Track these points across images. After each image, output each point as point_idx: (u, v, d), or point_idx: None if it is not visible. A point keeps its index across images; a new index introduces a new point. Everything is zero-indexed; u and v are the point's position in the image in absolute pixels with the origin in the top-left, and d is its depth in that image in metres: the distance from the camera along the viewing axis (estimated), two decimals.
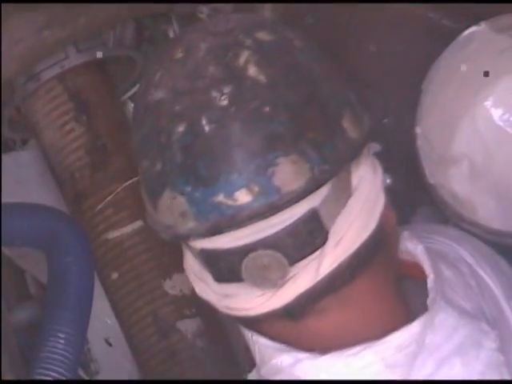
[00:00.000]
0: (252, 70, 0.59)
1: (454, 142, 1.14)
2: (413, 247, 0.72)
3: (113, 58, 1.29)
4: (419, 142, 1.09)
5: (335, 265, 0.61)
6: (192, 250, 0.64)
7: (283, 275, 0.60)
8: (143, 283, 1.15)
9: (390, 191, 0.74)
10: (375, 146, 1.17)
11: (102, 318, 1.24)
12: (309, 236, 0.60)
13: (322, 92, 0.62)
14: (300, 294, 0.62)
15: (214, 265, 0.63)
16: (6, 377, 1.03)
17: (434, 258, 0.71)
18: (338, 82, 0.64)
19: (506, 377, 0.69)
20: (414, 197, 1.19)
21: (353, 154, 0.61)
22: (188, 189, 0.59)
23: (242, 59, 0.59)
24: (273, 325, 0.64)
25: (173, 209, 0.61)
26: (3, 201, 1.22)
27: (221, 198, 0.58)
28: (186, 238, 0.62)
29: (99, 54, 1.23)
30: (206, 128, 0.58)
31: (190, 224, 0.60)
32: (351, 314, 0.66)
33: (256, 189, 0.58)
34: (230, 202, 0.58)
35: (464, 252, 0.79)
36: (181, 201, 0.60)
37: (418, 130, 1.09)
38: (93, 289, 1.08)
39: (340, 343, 0.64)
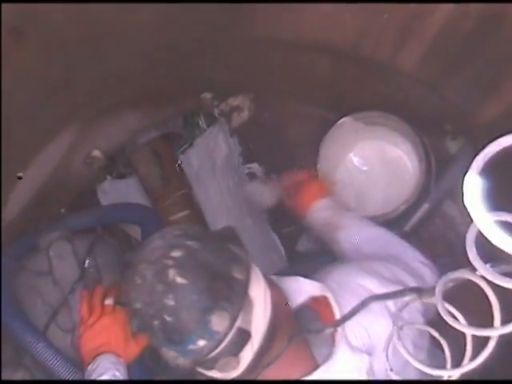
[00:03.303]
0: (178, 279, 0.76)
1: (336, 173, 1.67)
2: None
3: (172, 133, 1.68)
4: (319, 174, 1.56)
5: (260, 341, 0.79)
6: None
7: (237, 362, 0.79)
8: None
9: None
10: None
11: None
12: (241, 338, 0.78)
13: (216, 270, 0.78)
14: (248, 363, 0.79)
15: (208, 371, 0.82)
16: None
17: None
18: (219, 260, 0.79)
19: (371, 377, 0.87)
20: None
21: (245, 289, 0.78)
22: (173, 347, 0.78)
23: (170, 275, 0.76)
24: None
25: (169, 356, 0.80)
26: (120, 203, 1.58)
27: (191, 347, 0.76)
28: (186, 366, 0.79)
29: (165, 131, 1.66)
30: (168, 319, 0.76)
31: (181, 360, 0.78)
32: (286, 359, 0.82)
33: (206, 336, 0.76)
34: (197, 348, 0.76)
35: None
36: (171, 353, 0.79)
37: (318, 168, 1.57)
38: None
39: (295, 376, 0.83)
